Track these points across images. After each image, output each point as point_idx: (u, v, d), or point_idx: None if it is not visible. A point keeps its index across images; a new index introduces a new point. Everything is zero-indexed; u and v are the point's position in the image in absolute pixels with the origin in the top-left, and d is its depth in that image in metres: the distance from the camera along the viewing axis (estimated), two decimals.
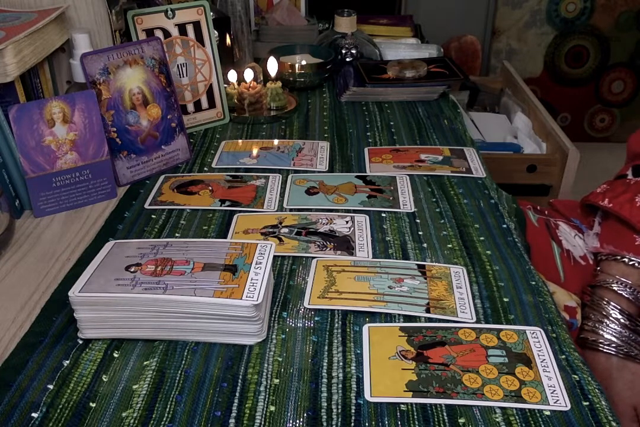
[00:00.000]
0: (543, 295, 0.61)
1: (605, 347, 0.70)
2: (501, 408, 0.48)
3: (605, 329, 0.71)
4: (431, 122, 1.01)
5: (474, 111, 1.58)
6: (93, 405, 0.48)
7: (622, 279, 0.73)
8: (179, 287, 0.52)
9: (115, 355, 0.53)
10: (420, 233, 0.70)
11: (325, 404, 0.48)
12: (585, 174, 1.52)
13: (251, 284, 0.52)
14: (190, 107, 0.95)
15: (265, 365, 0.52)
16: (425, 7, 2.29)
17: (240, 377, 0.51)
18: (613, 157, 2.34)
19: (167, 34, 0.89)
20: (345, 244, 0.67)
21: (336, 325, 0.56)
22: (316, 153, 0.89)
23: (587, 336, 0.71)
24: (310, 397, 0.49)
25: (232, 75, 1.00)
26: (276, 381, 0.50)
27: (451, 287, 0.61)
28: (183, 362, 0.52)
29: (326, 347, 0.54)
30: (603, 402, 0.48)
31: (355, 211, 0.74)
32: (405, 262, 0.65)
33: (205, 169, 0.86)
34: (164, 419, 0.47)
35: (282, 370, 0.51)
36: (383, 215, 0.74)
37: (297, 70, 1.12)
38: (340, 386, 0.50)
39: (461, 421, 0.47)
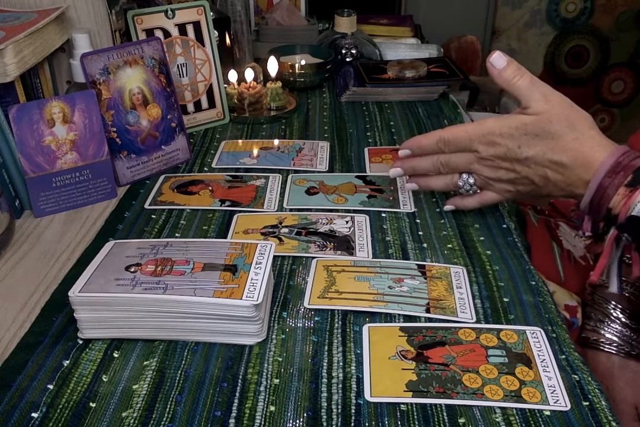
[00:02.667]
0: (543, 295, 0.61)
1: (606, 346, 0.70)
2: (501, 408, 0.48)
3: (606, 329, 0.71)
4: (431, 122, 1.01)
5: (474, 111, 1.57)
6: (93, 405, 0.48)
7: (623, 278, 0.73)
8: (179, 287, 0.52)
9: (115, 355, 0.53)
10: (420, 233, 0.70)
11: (325, 404, 0.48)
12: None
13: (251, 284, 0.52)
14: (190, 107, 0.95)
15: (265, 365, 0.52)
16: (425, 7, 2.29)
17: (240, 377, 0.51)
18: None
19: (167, 34, 0.89)
20: (345, 244, 0.67)
21: (336, 325, 0.56)
22: (316, 153, 0.89)
23: (588, 335, 0.71)
24: (310, 397, 0.49)
25: (232, 75, 1.00)
26: (276, 381, 0.50)
27: (451, 287, 0.61)
28: (183, 362, 0.52)
29: (326, 347, 0.54)
30: (603, 402, 0.48)
31: (355, 211, 0.74)
32: (405, 262, 0.65)
33: (205, 169, 0.86)
34: (164, 419, 0.47)
35: (282, 370, 0.51)
36: (383, 215, 0.74)
37: (297, 70, 1.12)
38: (340, 386, 0.50)
39: (461, 421, 0.47)
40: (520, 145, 0.61)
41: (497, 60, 0.63)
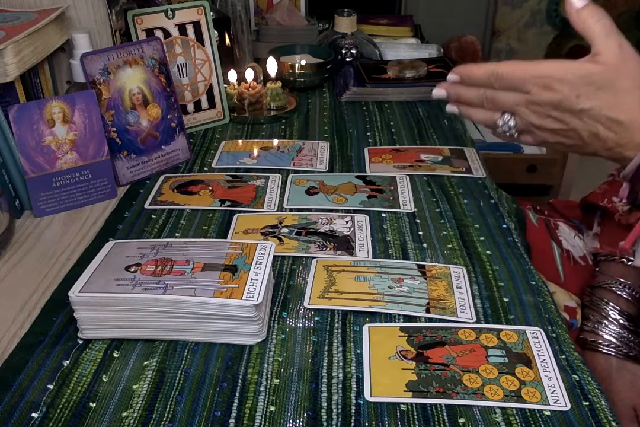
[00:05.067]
0: (543, 295, 0.61)
1: (604, 348, 0.70)
2: (501, 408, 0.48)
3: (604, 330, 0.71)
4: (431, 122, 1.01)
5: None
6: (93, 405, 0.48)
7: (621, 279, 0.73)
8: (179, 287, 0.52)
9: (115, 355, 0.53)
10: (420, 233, 0.70)
11: (325, 404, 0.48)
12: (585, 174, 1.52)
13: (251, 284, 0.52)
14: (190, 107, 0.95)
15: (265, 365, 0.52)
16: (425, 7, 2.30)
17: (240, 377, 0.51)
18: None
19: (167, 34, 0.89)
20: (345, 244, 0.67)
21: (336, 325, 0.56)
22: (316, 153, 0.89)
23: (586, 337, 0.71)
24: (310, 397, 0.49)
25: (232, 75, 1.00)
26: (276, 381, 0.50)
27: (451, 287, 0.61)
28: (183, 362, 0.52)
29: (326, 347, 0.54)
30: (603, 403, 0.48)
31: (355, 211, 0.74)
32: (405, 262, 0.65)
33: (205, 169, 0.86)
34: (164, 419, 0.47)
35: (282, 370, 0.51)
36: (383, 215, 0.74)
37: (297, 70, 1.12)
38: (340, 386, 0.50)
39: (461, 421, 0.47)
40: (579, 95, 0.56)
41: (577, 0, 0.58)
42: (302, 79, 1.13)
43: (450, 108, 0.69)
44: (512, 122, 0.62)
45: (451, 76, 0.66)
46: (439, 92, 0.68)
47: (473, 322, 0.56)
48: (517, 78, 0.59)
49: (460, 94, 0.66)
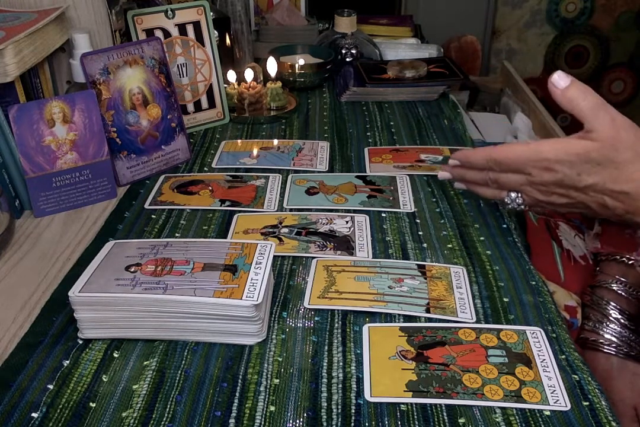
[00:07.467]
0: (543, 295, 0.61)
1: (605, 347, 0.70)
2: (501, 408, 0.48)
3: (605, 329, 0.71)
4: (431, 122, 1.01)
5: (474, 111, 1.57)
6: (93, 405, 0.48)
7: (622, 279, 0.73)
8: (179, 287, 0.52)
9: (115, 355, 0.53)
10: (420, 233, 0.70)
11: (325, 404, 0.48)
12: None
13: (251, 284, 0.52)
14: (190, 107, 0.95)
15: (265, 365, 0.52)
16: (425, 7, 2.29)
17: (240, 377, 0.51)
18: None
19: (167, 34, 0.89)
20: (345, 244, 0.67)
21: (336, 325, 0.56)
22: (316, 153, 0.89)
23: (587, 336, 0.71)
24: (310, 397, 0.49)
25: (232, 75, 1.00)
26: (276, 381, 0.50)
27: (451, 287, 0.61)
28: (183, 362, 0.52)
29: (326, 347, 0.54)
30: (603, 402, 0.48)
31: (355, 211, 0.74)
32: (405, 262, 0.65)
33: (205, 169, 0.86)
34: (164, 419, 0.47)
35: (282, 370, 0.51)
36: (383, 215, 0.74)
37: (297, 70, 1.12)
38: (340, 386, 0.50)
39: (461, 421, 0.47)
40: (580, 173, 0.57)
41: (559, 79, 0.60)
42: (302, 79, 1.13)
43: (458, 185, 0.72)
44: (519, 200, 0.64)
45: (452, 161, 0.69)
46: (443, 174, 0.72)
47: (473, 322, 0.56)
48: (514, 162, 0.61)
49: (464, 176, 0.69)
